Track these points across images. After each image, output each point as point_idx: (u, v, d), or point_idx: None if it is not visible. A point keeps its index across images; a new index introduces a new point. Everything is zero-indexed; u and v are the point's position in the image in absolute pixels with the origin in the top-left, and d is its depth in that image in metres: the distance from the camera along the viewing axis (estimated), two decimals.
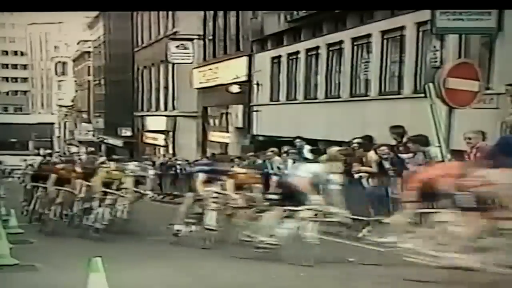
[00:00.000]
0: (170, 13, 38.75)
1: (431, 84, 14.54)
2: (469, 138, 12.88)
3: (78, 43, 78.07)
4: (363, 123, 20.45)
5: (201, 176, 14.17)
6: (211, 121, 36.05)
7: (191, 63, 36.32)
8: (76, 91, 79.69)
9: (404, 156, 14.30)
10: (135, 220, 15.99)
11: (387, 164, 14.51)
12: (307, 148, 19.11)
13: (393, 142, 15.33)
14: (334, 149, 17.03)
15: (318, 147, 20.23)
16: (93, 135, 62.70)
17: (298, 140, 19.68)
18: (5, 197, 27.41)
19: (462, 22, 15.94)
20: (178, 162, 29.94)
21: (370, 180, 14.93)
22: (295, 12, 24.99)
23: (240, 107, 30.39)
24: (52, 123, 77.82)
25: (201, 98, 36.19)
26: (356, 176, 15.30)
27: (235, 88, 30.23)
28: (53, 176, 17.09)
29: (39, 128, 69.70)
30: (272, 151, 20.00)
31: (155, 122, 41.65)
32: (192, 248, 13.41)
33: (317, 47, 24.57)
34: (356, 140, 16.50)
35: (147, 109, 44.87)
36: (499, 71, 16.02)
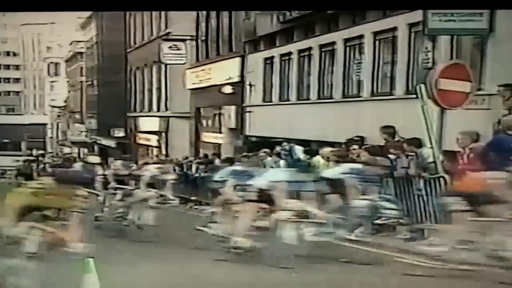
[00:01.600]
0: (162, 13, 38.73)
1: (422, 85, 14.57)
2: (457, 139, 12.94)
3: (70, 44, 77.92)
4: (355, 124, 20.50)
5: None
6: (204, 121, 36.04)
7: (184, 63, 36.31)
8: (69, 91, 79.52)
9: (391, 157, 14.38)
10: None
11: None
12: (299, 149, 19.14)
13: (383, 143, 15.40)
14: (327, 149, 17.16)
15: (311, 147, 20.30)
16: (86, 136, 62.56)
17: (285, 143, 19.81)
18: None
19: (453, 23, 15.98)
20: None
21: None
22: (287, 13, 25.01)
23: (233, 107, 30.40)
24: (45, 124, 77.74)
25: (194, 99, 36.18)
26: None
27: (227, 89, 30.23)
28: None
29: (32, 129, 69.62)
30: (264, 152, 20.07)
31: (148, 123, 41.62)
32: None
33: (310, 48, 24.61)
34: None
35: (140, 110, 44.84)
36: (490, 72, 16.07)
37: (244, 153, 22.88)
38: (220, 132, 32.72)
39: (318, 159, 17.06)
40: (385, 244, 12.82)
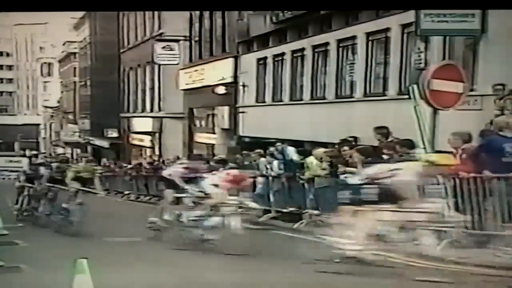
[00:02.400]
0: (156, 14, 38.72)
1: (415, 86, 14.60)
2: (449, 140, 12.96)
3: (63, 44, 77.77)
4: (348, 124, 20.52)
5: None
6: (197, 122, 36.04)
7: (177, 64, 36.30)
8: (62, 92, 79.36)
9: (384, 157, 14.38)
10: None
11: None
12: (292, 149, 19.17)
13: (377, 143, 15.40)
14: (320, 150, 17.18)
15: (304, 148, 20.33)
16: (79, 136, 62.45)
17: (278, 144, 19.85)
18: None
19: (446, 24, 16.04)
20: None
21: None
22: (280, 14, 25.04)
23: (226, 108, 30.42)
24: (38, 124, 77.63)
25: (187, 99, 36.17)
26: (342, 177, 15.33)
27: (221, 89, 30.25)
28: None
29: (25, 129, 69.58)
30: (257, 153, 20.08)
31: (141, 123, 41.60)
32: None
33: (303, 49, 24.63)
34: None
35: (133, 110, 44.82)
36: (483, 72, 16.13)
37: (238, 153, 23.01)
38: (214, 133, 32.73)
39: (311, 160, 17.11)
40: None
